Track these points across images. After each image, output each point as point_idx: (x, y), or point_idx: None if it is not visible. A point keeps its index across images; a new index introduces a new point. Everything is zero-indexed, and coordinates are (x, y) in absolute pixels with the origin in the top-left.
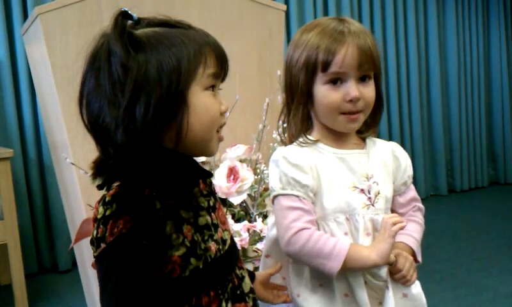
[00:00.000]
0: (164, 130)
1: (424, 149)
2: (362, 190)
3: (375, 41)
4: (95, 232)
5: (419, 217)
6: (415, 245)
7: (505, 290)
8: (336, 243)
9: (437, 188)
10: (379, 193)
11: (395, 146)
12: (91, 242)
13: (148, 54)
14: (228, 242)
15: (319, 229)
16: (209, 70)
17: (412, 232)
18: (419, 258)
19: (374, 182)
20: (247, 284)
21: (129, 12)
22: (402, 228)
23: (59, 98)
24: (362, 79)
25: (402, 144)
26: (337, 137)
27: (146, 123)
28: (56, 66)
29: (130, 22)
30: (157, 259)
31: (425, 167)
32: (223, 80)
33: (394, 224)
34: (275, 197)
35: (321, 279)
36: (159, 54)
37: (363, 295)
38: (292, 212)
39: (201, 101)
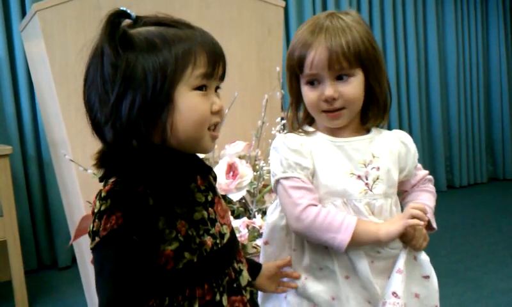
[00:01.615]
0: (151, 128)
1: (423, 146)
2: (359, 177)
3: (361, 36)
4: (91, 225)
5: (430, 187)
6: (430, 213)
7: (504, 285)
8: (344, 217)
9: (436, 184)
10: (377, 178)
11: (400, 133)
12: (89, 234)
13: (138, 53)
14: (227, 236)
15: None
16: (198, 70)
17: (426, 200)
18: (434, 225)
19: (373, 168)
20: (244, 277)
21: (127, 11)
22: (419, 225)
23: (58, 94)
24: (340, 78)
25: None
26: (335, 129)
27: (131, 120)
28: (54, 62)
29: (128, 20)
30: (149, 253)
31: (424, 163)
32: (222, 79)
33: (413, 216)
34: (277, 181)
35: (320, 264)
36: (147, 54)
37: (366, 272)
38: (296, 190)
39: (187, 101)
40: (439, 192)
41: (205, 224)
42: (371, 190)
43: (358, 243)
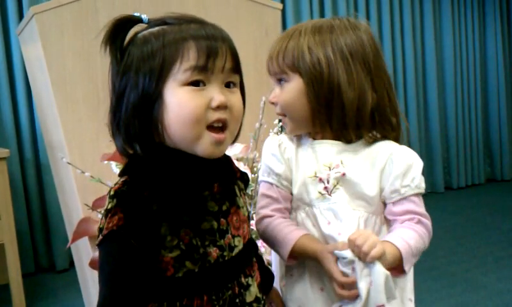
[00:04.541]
0: (152, 130)
1: (420, 147)
2: (321, 179)
3: (308, 44)
4: (100, 221)
5: (418, 228)
6: (405, 250)
7: (502, 286)
8: (287, 234)
9: (434, 185)
10: (338, 183)
11: (397, 151)
12: (97, 229)
13: (134, 56)
14: (239, 248)
15: (296, 218)
16: (187, 64)
17: (404, 236)
18: (405, 267)
19: (337, 172)
20: (252, 293)
21: (141, 17)
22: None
23: (55, 97)
24: (280, 81)
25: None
26: (317, 133)
27: (127, 121)
28: (51, 65)
29: (144, 25)
30: (148, 258)
31: None
32: (233, 72)
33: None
34: (260, 183)
35: (291, 270)
36: (141, 55)
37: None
38: (263, 199)
39: (175, 98)
40: (437, 193)
41: (213, 234)
42: (330, 195)
43: (303, 258)
